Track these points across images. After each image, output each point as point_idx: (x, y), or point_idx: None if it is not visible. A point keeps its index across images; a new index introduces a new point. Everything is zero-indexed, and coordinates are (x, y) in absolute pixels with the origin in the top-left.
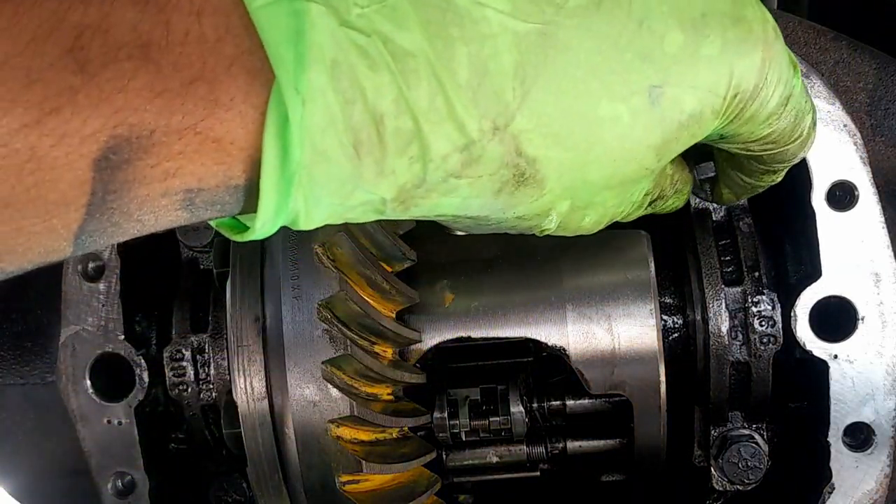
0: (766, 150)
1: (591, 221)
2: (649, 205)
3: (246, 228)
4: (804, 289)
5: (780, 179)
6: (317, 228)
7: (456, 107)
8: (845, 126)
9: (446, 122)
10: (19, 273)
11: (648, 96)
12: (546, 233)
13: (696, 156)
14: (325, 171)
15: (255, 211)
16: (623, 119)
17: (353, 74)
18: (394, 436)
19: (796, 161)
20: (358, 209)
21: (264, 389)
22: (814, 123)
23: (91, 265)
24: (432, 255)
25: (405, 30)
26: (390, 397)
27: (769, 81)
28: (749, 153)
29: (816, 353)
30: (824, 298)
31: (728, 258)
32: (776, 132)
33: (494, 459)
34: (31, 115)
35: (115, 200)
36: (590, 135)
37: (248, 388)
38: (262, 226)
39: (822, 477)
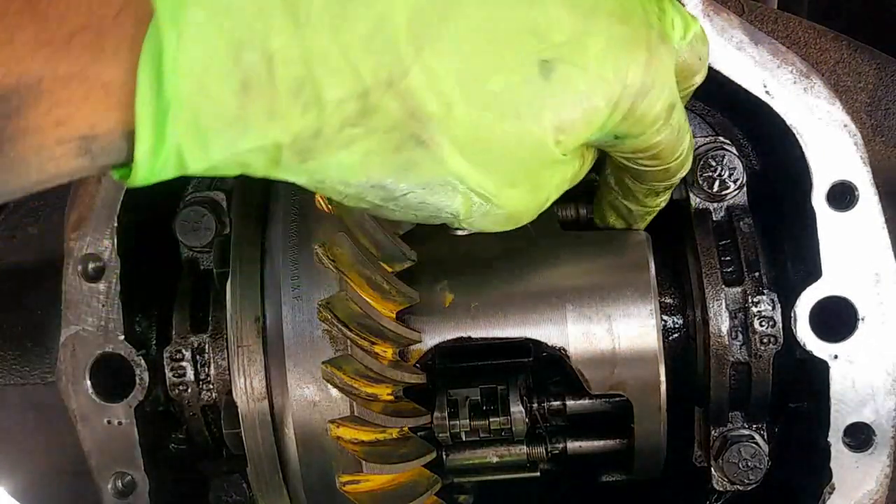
0: (651, 166)
1: (503, 209)
2: None
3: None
4: (804, 289)
5: (664, 204)
6: (317, 227)
7: (350, 53)
8: (845, 126)
9: (341, 68)
10: None
11: (539, 70)
12: (460, 220)
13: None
14: (211, 109)
15: None
16: (515, 89)
17: (241, 16)
18: (394, 436)
19: (675, 182)
20: (252, 155)
21: (264, 389)
22: (691, 147)
23: (91, 265)
24: (432, 255)
25: None
26: (390, 397)
27: (654, 83)
28: (637, 167)
29: (817, 353)
30: (824, 298)
31: (728, 258)
32: (662, 143)
33: (494, 459)
34: None
35: (11, 150)
36: (482, 100)
37: (248, 388)
38: (144, 160)
39: (822, 477)
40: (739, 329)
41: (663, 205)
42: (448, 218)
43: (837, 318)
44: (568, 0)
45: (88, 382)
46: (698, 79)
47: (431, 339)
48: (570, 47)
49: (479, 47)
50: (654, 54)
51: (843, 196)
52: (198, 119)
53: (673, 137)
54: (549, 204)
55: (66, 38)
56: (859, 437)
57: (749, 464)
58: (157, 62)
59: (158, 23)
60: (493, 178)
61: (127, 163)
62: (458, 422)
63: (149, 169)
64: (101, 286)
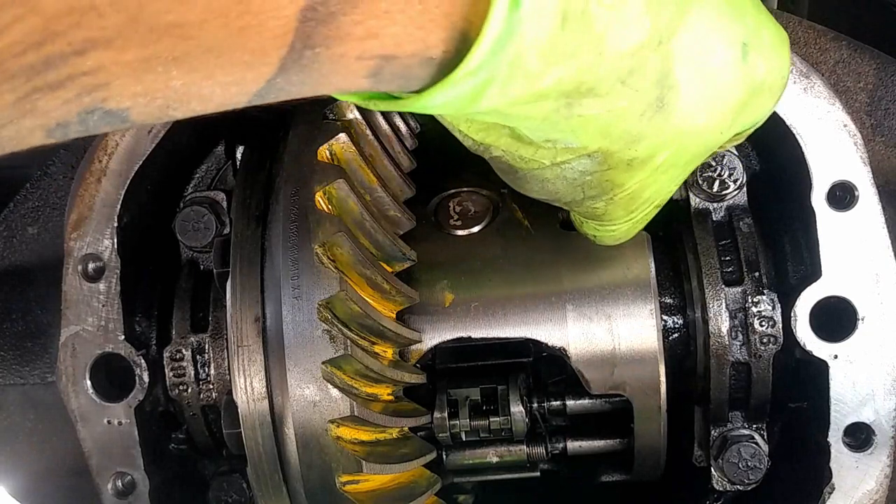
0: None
1: (647, 196)
2: None
3: (392, 98)
4: (804, 289)
5: None
6: (317, 227)
7: (640, 5)
8: (845, 126)
9: (634, 18)
10: (184, 118)
11: (742, 49)
12: (616, 199)
13: None
14: (533, 35)
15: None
16: (729, 64)
17: None
18: (394, 436)
19: None
20: (531, 104)
21: (264, 389)
22: None
23: (91, 265)
24: (432, 255)
25: None
26: (390, 397)
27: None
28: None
29: (816, 353)
30: (824, 298)
31: (728, 258)
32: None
33: (494, 459)
34: None
35: (311, 57)
36: (707, 72)
37: (249, 388)
38: (443, 88)
39: (822, 477)
40: (739, 329)
41: None
42: (582, 199)
43: (837, 318)
44: None
45: (88, 382)
46: None
47: (431, 339)
48: (756, 35)
49: (712, 18)
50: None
51: (843, 196)
52: (521, 48)
53: None
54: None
55: None
56: (859, 437)
57: (749, 464)
58: None
59: None
60: (675, 161)
61: (404, 90)
62: (458, 422)
63: (433, 99)
64: (101, 286)
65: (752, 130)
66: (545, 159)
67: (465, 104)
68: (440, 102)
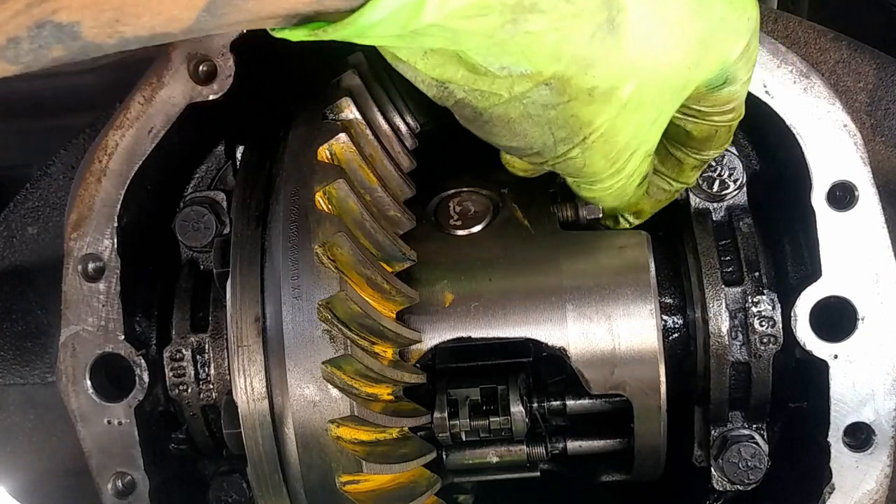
0: (723, 121)
1: (625, 141)
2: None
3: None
4: (804, 289)
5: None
6: (317, 227)
7: None
8: (845, 126)
9: None
10: (133, 46)
11: None
12: (590, 142)
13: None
14: None
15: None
16: None
17: None
18: (394, 436)
19: (717, 153)
20: (472, 18)
21: (264, 389)
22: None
23: (91, 265)
24: (432, 255)
25: None
26: (390, 397)
27: (759, 28)
28: (710, 124)
29: (816, 353)
30: (824, 298)
31: (728, 258)
32: (743, 96)
33: (494, 459)
34: None
35: None
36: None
37: (249, 388)
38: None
39: (822, 477)
40: (739, 329)
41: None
42: (553, 144)
43: (837, 318)
44: None
45: (88, 382)
46: None
47: (431, 339)
48: None
49: None
50: (757, 8)
51: (842, 196)
52: None
53: (746, 94)
54: (626, 171)
55: None
56: (859, 436)
57: (749, 464)
58: None
59: None
60: (641, 99)
61: (349, 5)
62: (458, 422)
63: (375, 11)
64: (101, 286)
65: (733, 100)
66: (503, 90)
67: (409, 17)
68: (385, 14)
